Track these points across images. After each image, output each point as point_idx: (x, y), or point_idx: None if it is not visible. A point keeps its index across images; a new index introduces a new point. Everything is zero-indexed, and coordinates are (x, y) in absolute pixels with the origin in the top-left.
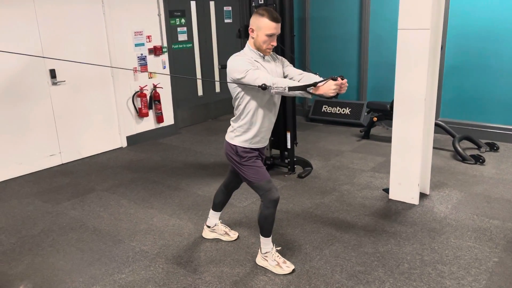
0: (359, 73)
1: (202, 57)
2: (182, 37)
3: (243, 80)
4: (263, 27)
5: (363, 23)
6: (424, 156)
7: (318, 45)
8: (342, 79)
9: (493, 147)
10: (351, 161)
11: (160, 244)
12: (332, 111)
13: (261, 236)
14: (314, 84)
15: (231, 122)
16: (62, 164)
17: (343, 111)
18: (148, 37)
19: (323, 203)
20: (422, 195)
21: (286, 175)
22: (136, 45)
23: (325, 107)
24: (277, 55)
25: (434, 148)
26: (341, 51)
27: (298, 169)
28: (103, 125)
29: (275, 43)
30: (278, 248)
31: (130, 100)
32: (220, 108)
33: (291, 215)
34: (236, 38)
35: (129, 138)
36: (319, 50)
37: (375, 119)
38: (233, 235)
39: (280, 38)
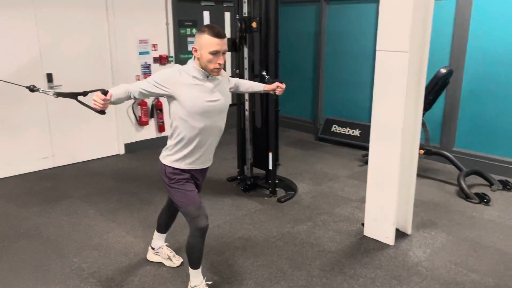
0: (371, 93)
1: None
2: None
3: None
4: (205, 44)
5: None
6: (406, 191)
7: (333, 63)
8: (281, 83)
9: (506, 186)
10: (342, 188)
11: (100, 263)
12: (342, 132)
13: (189, 268)
14: (84, 94)
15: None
16: (54, 167)
17: (353, 132)
18: (154, 45)
19: (290, 233)
20: (402, 235)
21: (266, 198)
22: (141, 53)
23: (334, 127)
24: (223, 74)
25: (440, 181)
26: (355, 70)
27: (281, 192)
28: (100, 131)
29: (222, 61)
30: (209, 283)
31: (130, 108)
32: None
33: (250, 244)
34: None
35: (128, 146)
36: (333, 69)
37: None
38: (176, 261)
39: (265, 53)
